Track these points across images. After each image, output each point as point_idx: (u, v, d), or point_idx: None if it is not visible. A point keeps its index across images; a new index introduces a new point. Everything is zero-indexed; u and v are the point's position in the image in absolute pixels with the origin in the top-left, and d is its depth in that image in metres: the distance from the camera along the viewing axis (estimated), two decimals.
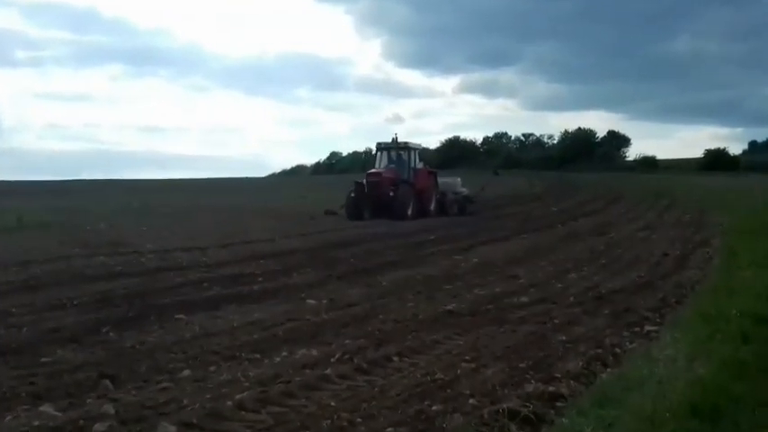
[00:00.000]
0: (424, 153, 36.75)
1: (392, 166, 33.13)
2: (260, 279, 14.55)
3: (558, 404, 6.82)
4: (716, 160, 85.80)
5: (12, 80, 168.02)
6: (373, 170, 32.85)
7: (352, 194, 31.39)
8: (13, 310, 10.93)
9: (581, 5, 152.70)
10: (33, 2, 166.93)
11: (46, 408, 6.62)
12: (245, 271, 15.50)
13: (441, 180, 34.65)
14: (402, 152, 33.51)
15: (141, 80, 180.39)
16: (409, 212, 30.88)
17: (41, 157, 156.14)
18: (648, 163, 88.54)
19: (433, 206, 32.91)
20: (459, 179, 36.56)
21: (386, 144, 34.00)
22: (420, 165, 33.52)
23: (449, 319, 10.93)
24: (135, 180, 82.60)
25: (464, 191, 35.51)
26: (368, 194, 31.18)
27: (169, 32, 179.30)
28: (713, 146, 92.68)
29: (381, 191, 30.93)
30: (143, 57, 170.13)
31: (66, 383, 7.42)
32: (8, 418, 6.34)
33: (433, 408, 6.69)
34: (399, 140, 33.48)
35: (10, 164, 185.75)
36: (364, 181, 31.82)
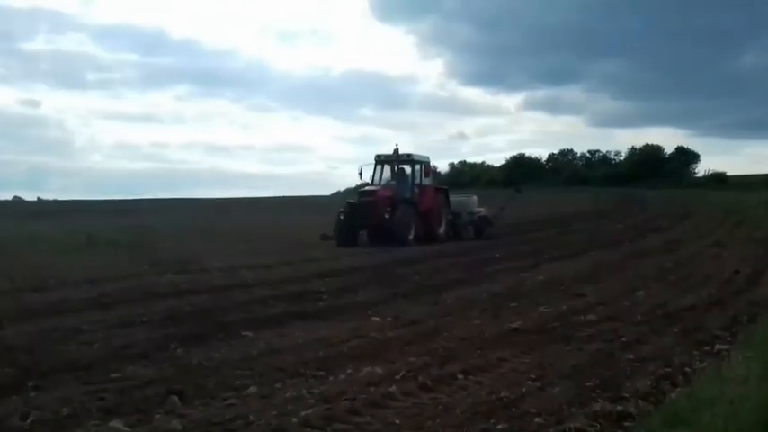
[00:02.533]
0: (439, 174, 34.21)
1: (393, 182, 29.04)
2: (325, 296, 14.62)
3: (627, 424, 6.71)
4: None
5: (82, 102, 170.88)
6: (367, 187, 28.75)
7: (342, 216, 27.50)
8: (85, 326, 11.10)
9: (647, 22, 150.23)
10: (103, 26, 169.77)
11: (115, 423, 6.68)
12: (309, 288, 15.59)
13: (454, 199, 31.09)
14: (405, 166, 29.42)
15: (207, 100, 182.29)
16: (411, 237, 27.22)
17: (111, 177, 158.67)
18: (718, 179, 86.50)
19: (443, 229, 29.38)
20: (474, 197, 32.84)
21: (385, 156, 29.48)
22: (427, 181, 29.49)
23: (514, 337, 10.82)
24: (201, 199, 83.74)
25: (481, 211, 31.62)
26: (361, 216, 27.21)
27: (234, 53, 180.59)
28: None
29: (376, 212, 26.87)
30: (209, 77, 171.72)
31: (136, 399, 7.50)
32: None
33: (498, 426, 6.63)
34: (403, 152, 29.12)
35: (81, 183, 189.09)
36: (356, 201, 28.17)
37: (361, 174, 29.61)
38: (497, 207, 32.58)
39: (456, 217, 30.33)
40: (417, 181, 28.99)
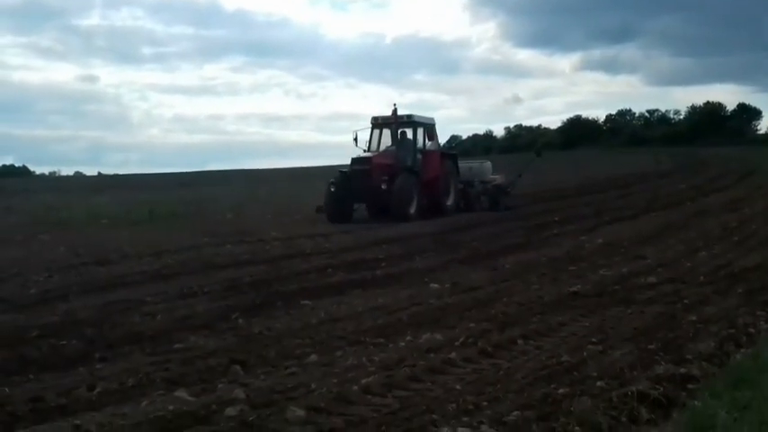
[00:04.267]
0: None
1: (392, 148, 25.58)
2: (383, 264, 14.70)
3: (690, 386, 6.64)
4: None
5: (139, 76, 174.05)
6: (362, 154, 24.93)
7: (332, 188, 23.98)
8: (148, 298, 11.29)
9: None
10: (158, 0, 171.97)
11: (180, 393, 6.79)
12: (367, 256, 15.68)
13: (464, 165, 27.78)
14: (405, 129, 25.81)
15: (261, 71, 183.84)
16: (412, 210, 23.81)
17: (169, 150, 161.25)
18: None
19: (451, 200, 25.83)
20: (488, 163, 29.34)
21: (383, 119, 25.89)
22: (430, 145, 25.86)
23: (574, 301, 10.77)
24: (258, 170, 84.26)
25: (496, 179, 28.02)
26: (354, 188, 23.81)
27: (286, 23, 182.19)
28: None
29: (371, 182, 23.39)
30: (262, 48, 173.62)
31: (199, 369, 7.62)
32: (144, 402, 6.53)
33: (560, 391, 6.58)
34: (404, 113, 25.36)
35: (140, 158, 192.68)
36: (349, 170, 24.63)
37: (356, 139, 25.54)
38: (515, 174, 28.73)
39: (467, 186, 27.01)
40: (420, 146, 25.56)
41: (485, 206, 26.72)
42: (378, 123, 26.07)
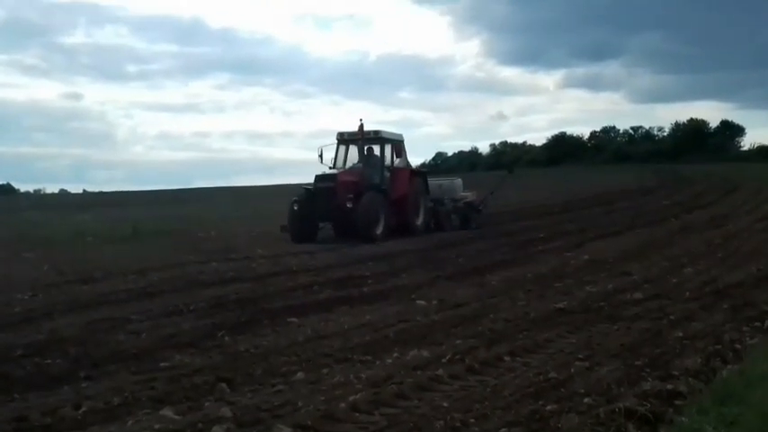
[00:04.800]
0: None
1: (358, 165, 24.15)
2: (369, 281, 14.67)
3: (677, 402, 6.64)
4: None
5: (123, 94, 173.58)
6: (326, 172, 23.59)
7: (295, 207, 22.42)
8: (133, 316, 11.23)
9: None
10: (141, 17, 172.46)
11: (166, 411, 6.77)
12: (354, 273, 15.64)
13: (434, 183, 26.41)
14: (373, 145, 24.36)
15: (246, 88, 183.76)
16: (378, 231, 22.23)
17: (153, 167, 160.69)
18: (765, 152, 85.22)
19: (420, 219, 24.42)
20: (459, 181, 28.05)
21: (349, 134, 24.34)
22: (398, 162, 24.43)
23: (561, 318, 10.80)
24: (243, 187, 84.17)
25: (467, 196, 26.69)
26: (318, 206, 22.39)
27: (271, 40, 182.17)
28: None
29: (336, 201, 22.00)
30: (247, 66, 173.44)
31: (185, 387, 7.60)
32: (130, 422, 6.52)
33: (548, 408, 6.59)
34: (369, 129, 23.94)
35: (124, 175, 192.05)
36: (313, 188, 22.97)
37: (321, 156, 24.14)
38: (487, 191, 27.41)
39: (437, 204, 25.62)
40: (388, 163, 24.18)
41: (455, 225, 25.56)
42: (344, 139, 24.56)
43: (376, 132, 24.08)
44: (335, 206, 22.02)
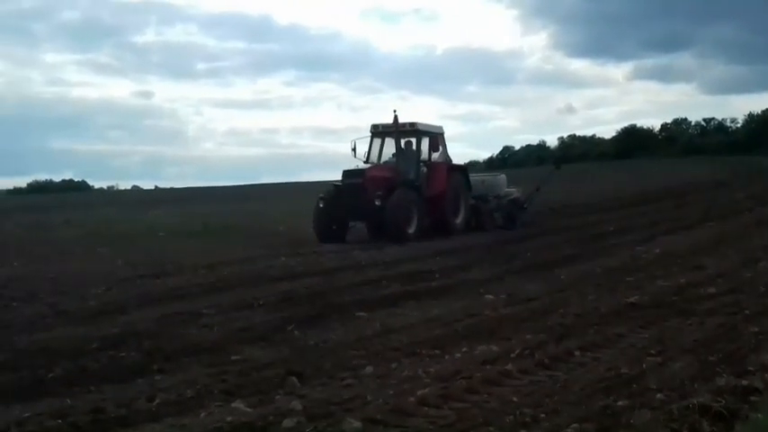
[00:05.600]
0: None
1: (392, 160, 22.75)
2: (438, 275, 14.66)
3: (753, 398, 6.49)
4: None
5: (193, 91, 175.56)
6: (356, 167, 21.91)
7: (321, 204, 21.20)
8: (204, 310, 11.38)
9: None
10: (211, 15, 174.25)
11: (237, 404, 6.83)
12: (422, 268, 15.65)
13: (476, 179, 24.66)
14: (409, 138, 22.61)
15: (314, 84, 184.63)
16: (411, 230, 20.80)
17: (223, 163, 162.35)
18: None
19: (460, 218, 22.80)
20: (503, 176, 26.12)
21: (384, 127, 22.78)
22: (437, 157, 22.96)
23: (632, 312, 10.64)
24: (311, 182, 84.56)
25: (512, 193, 24.84)
26: (346, 204, 20.98)
27: (338, 36, 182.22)
28: None
29: (364, 198, 20.49)
30: (315, 62, 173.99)
31: (256, 380, 7.67)
32: (203, 414, 6.60)
33: (619, 403, 6.51)
34: (405, 121, 22.19)
35: (194, 171, 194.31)
36: (341, 184, 21.56)
37: (354, 150, 22.49)
38: (533, 187, 25.45)
39: (479, 202, 23.91)
40: (425, 157, 22.69)
41: (499, 223, 23.89)
42: (378, 132, 23.06)
43: (412, 124, 22.40)
44: (364, 203, 20.59)
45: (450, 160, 23.53)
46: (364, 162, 22.55)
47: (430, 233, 21.31)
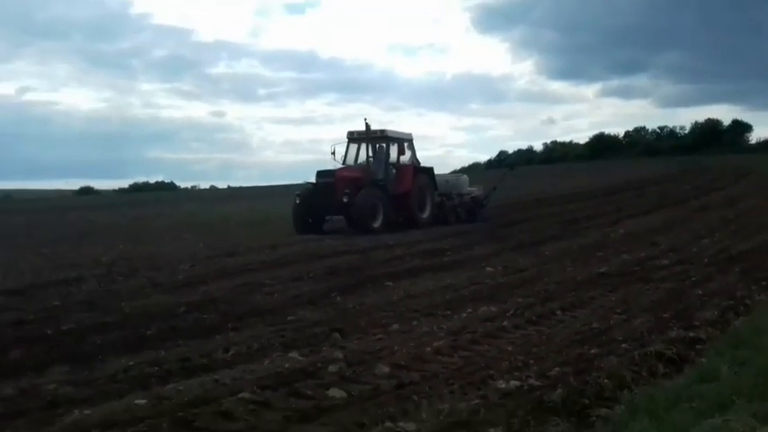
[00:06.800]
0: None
1: (363, 162, 21.01)
2: (449, 252, 14.59)
3: (698, 347, 6.51)
4: None
5: (256, 111, 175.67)
6: (329, 168, 20.10)
7: (297, 200, 19.80)
8: (266, 281, 11.38)
9: (702, 18, 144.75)
10: (269, 51, 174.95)
11: (293, 354, 6.86)
12: (437, 247, 15.58)
13: (441, 179, 22.23)
14: (379, 143, 21.00)
15: (350, 104, 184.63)
16: (376, 223, 19.16)
17: (280, 167, 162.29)
18: None
19: (426, 213, 20.92)
20: (465, 177, 24.02)
21: (357, 133, 20.99)
22: (406, 159, 21.08)
23: (602, 280, 10.61)
24: None
25: (472, 191, 22.84)
26: (319, 200, 19.45)
27: (370, 66, 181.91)
28: None
29: (334, 195, 19.03)
30: (351, 86, 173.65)
31: (307, 336, 7.67)
32: (267, 361, 6.64)
33: (592, 351, 6.53)
34: (376, 128, 20.66)
35: (258, 173, 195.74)
36: (316, 182, 19.96)
37: (333, 153, 20.79)
38: (490, 187, 23.43)
39: (446, 198, 22.03)
40: (393, 160, 20.77)
41: (462, 217, 21.84)
42: (353, 138, 21.24)
43: (382, 131, 20.81)
44: (334, 200, 19.09)
45: (419, 162, 21.54)
46: (342, 164, 20.74)
47: (399, 226, 19.65)
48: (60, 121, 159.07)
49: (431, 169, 21.68)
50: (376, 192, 19.64)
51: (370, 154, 21.06)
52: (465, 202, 22.29)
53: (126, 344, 7.44)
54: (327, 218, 20.12)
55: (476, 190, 22.99)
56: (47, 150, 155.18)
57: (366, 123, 20.49)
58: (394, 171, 20.61)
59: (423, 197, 20.90)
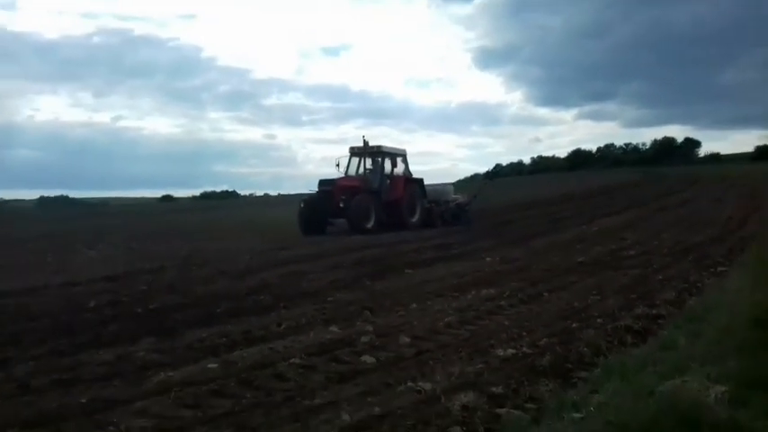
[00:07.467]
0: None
1: (361, 174, 20.24)
2: (456, 246, 14.53)
3: (660, 321, 6.46)
4: (764, 153, 76.45)
5: (300, 134, 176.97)
6: (330, 177, 19.34)
7: (302, 206, 19.11)
8: (310, 270, 11.33)
9: (656, 56, 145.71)
10: (310, 86, 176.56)
11: (332, 328, 6.87)
12: (446, 241, 15.52)
13: (429, 188, 21.08)
14: (377, 157, 20.15)
15: (375, 127, 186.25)
16: (369, 225, 18.41)
17: (318, 179, 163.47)
18: (715, 158, 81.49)
19: (416, 217, 19.93)
20: (450, 186, 23.32)
21: (357, 149, 20.21)
22: (399, 171, 20.27)
23: (580, 268, 10.53)
24: None
25: (457, 198, 21.84)
26: (320, 206, 18.73)
27: (390, 96, 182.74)
28: (761, 143, 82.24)
29: (332, 201, 18.42)
30: (376, 113, 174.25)
31: (343, 313, 7.67)
32: (312, 333, 6.63)
33: (573, 325, 6.49)
34: (373, 144, 20.04)
35: (302, 183, 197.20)
36: (318, 191, 19.22)
37: (338, 165, 20.02)
38: (472, 195, 22.25)
39: (434, 205, 20.90)
40: (387, 172, 20.00)
41: (448, 221, 20.70)
42: (354, 152, 20.31)
43: (378, 147, 20.01)
44: (333, 205, 18.43)
45: (411, 174, 20.50)
46: (345, 175, 19.88)
47: (391, 228, 18.63)
48: (146, 143, 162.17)
49: (421, 180, 20.80)
50: (369, 198, 18.86)
51: (368, 166, 20.35)
52: (450, 208, 21.22)
53: (200, 320, 7.48)
54: (331, 221, 19.29)
55: (460, 197, 21.99)
56: (135, 166, 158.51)
57: (364, 140, 19.90)
58: (388, 181, 19.87)
59: (413, 204, 20.05)
